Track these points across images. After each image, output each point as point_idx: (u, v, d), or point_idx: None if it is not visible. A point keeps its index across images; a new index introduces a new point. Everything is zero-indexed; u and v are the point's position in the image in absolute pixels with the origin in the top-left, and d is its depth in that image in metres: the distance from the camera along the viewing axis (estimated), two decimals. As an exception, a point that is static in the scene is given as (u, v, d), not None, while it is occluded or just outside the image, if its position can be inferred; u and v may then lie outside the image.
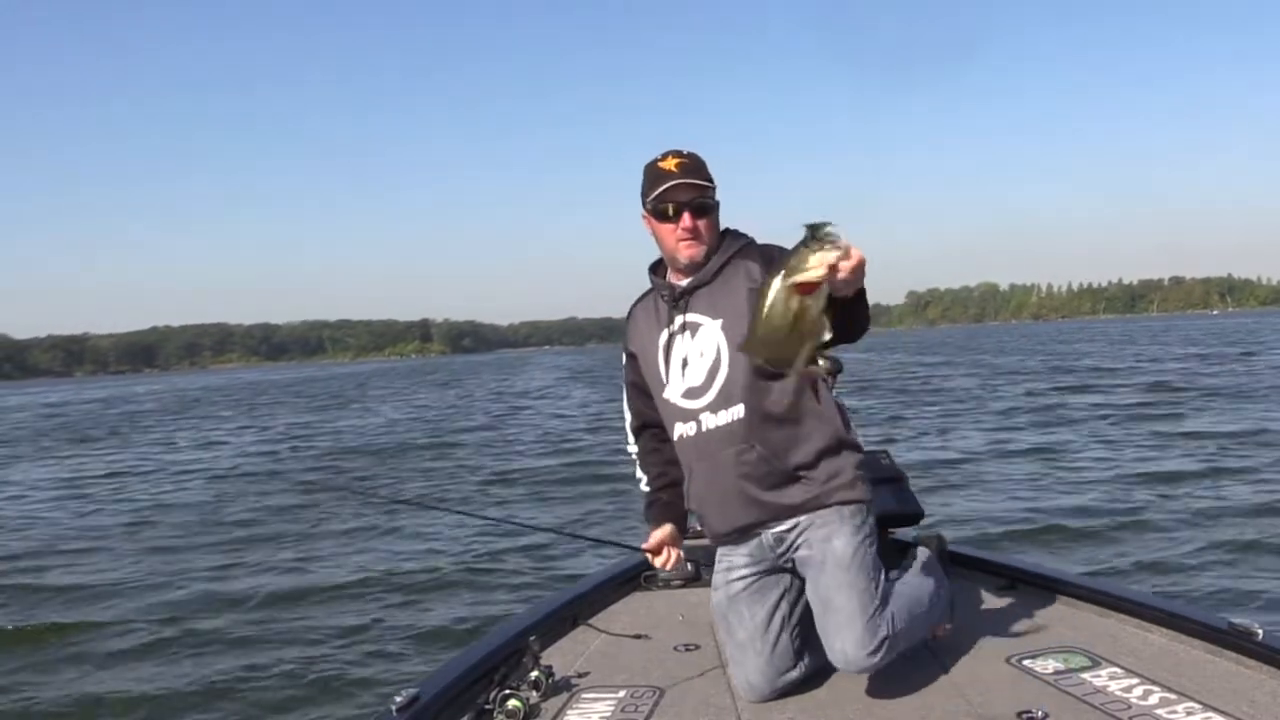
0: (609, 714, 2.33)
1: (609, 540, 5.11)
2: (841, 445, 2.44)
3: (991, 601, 3.02)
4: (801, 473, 2.39)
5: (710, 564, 3.22)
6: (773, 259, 2.32)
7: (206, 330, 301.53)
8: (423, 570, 7.23)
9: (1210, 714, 2.10)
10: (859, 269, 1.84)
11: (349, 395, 41.66)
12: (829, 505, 2.39)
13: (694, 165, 2.45)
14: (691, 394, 2.46)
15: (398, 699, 2.21)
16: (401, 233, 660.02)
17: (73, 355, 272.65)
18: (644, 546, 2.65)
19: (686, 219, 2.42)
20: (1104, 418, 14.54)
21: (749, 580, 2.49)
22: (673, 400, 2.50)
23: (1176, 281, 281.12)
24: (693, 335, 2.46)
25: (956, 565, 3.26)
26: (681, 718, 2.31)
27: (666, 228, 2.45)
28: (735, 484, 2.41)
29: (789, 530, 2.42)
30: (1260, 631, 2.35)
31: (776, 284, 1.83)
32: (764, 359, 1.99)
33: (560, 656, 2.70)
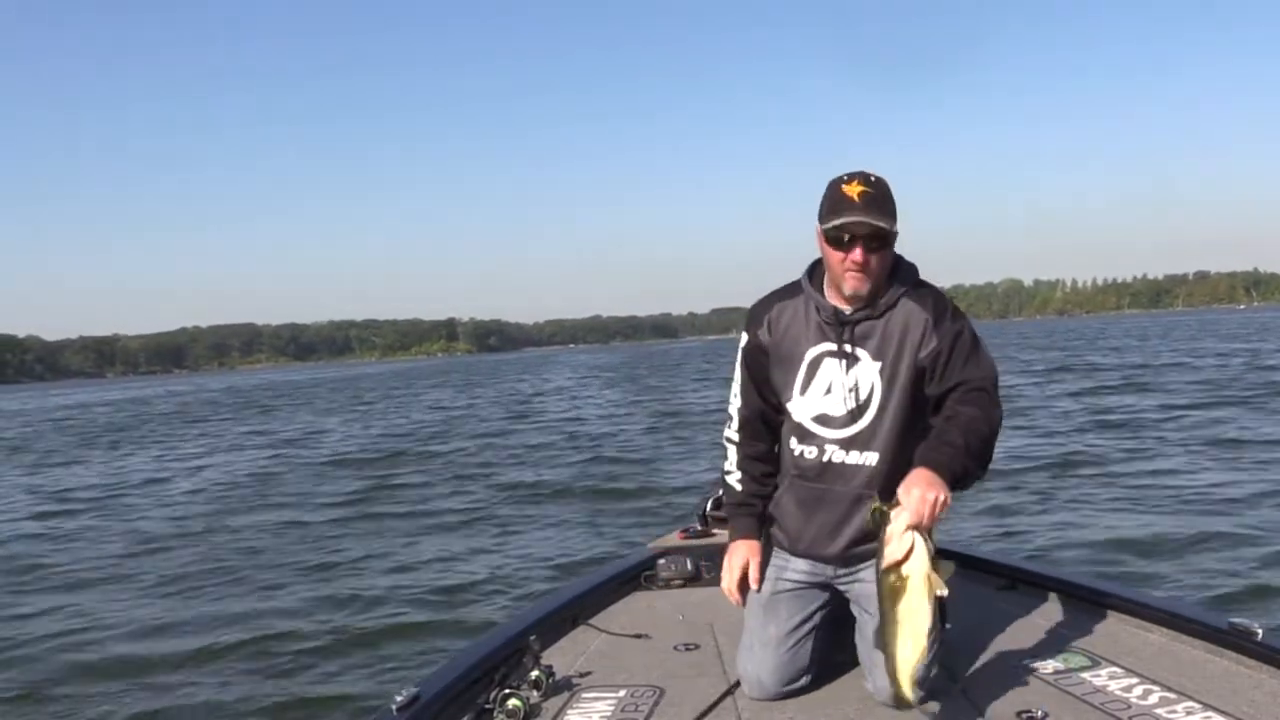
0: (609, 714, 2.34)
1: None
2: None
3: (991, 601, 3.02)
4: None
5: (711, 564, 3.24)
6: (943, 307, 2.35)
7: (235, 330, 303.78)
8: (423, 570, 7.31)
9: (1210, 714, 2.10)
10: (939, 511, 2.05)
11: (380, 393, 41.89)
12: None
13: (878, 196, 2.30)
14: (825, 421, 2.40)
15: (398, 698, 2.22)
16: (425, 233, 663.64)
17: (103, 356, 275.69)
18: (726, 586, 2.51)
19: (858, 253, 2.30)
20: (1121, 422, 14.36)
21: (800, 585, 2.50)
22: (800, 418, 2.44)
23: (1202, 276, 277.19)
24: (849, 366, 2.37)
25: (956, 565, 3.25)
26: (681, 718, 2.31)
27: (837, 255, 2.33)
28: (837, 524, 2.40)
29: (857, 565, 2.45)
30: (1260, 631, 2.34)
31: (882, 575, 2.06)
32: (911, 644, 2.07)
33: (560, 656, 2.72)
